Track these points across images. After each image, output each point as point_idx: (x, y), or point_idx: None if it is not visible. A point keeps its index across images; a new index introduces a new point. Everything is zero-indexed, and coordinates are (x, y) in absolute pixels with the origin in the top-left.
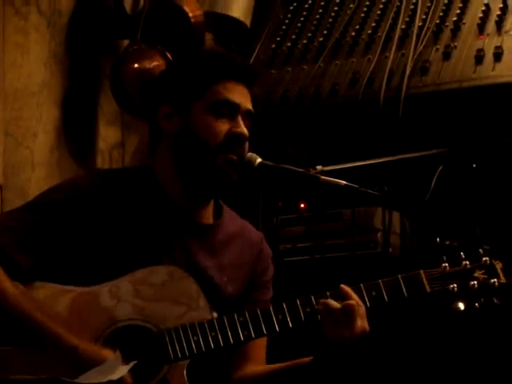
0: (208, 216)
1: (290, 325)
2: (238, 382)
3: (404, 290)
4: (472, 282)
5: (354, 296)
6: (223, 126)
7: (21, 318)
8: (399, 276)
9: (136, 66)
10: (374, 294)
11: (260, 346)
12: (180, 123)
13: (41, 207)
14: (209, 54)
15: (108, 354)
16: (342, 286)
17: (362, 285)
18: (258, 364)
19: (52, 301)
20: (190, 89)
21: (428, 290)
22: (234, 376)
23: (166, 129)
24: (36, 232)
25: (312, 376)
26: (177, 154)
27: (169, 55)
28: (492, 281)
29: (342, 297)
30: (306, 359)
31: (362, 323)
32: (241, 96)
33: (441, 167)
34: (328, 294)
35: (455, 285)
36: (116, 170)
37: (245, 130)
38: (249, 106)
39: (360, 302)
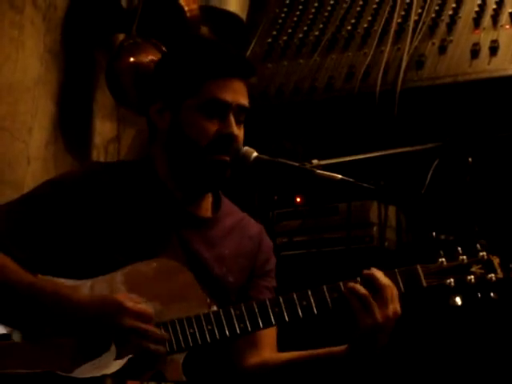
0: (207, 209)
1: (286, 318)
2: (252, 369)
3: (401, 284)
4: (469, 277)
5: (385, 279)
6: (213, 127)
7: (27, 286)
8: (396, 270)
9: (132, 60)
10: None
11: (271, 330)
12: (171, 120)
13: (36, 200)
14: (201, 48)
15: (120, 295)
16: (372, 271)
17: (396, 270)
18: (270, 350)
19: None
20: (182, 86)
21: (425, 284)
22: (246, 363)
23: (158, 125)
24: (32, 224)
25: (346, 364)
26: (168, 151)
27: (164, 49)
28: (489, 276)
29: (370, 283)
30: (340, 348)
31: (394, 306)
32: (234, 92)
33: (436, 161)
34: (358, 279)
35: (452, 280)
36: (113, 163)
37: (235, 130)
38: (242, 100)
39: (392, 285)
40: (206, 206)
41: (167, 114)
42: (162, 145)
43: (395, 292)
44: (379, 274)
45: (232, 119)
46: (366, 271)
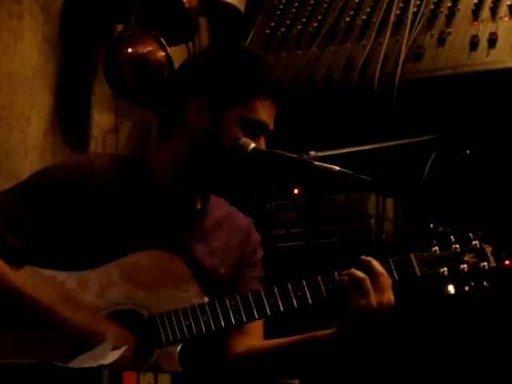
0: (197, 202)
1: (282, 309)
2: (239, 357)
3: (395, 273)
4: (462, 266)
5: (381, 268)
6: None
7: (14, 295)
8: (390, 260)
9: (130, 50)
10: None
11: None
12: (211, 123)
13: (31, 188)
14: (257, 64)
15: (107, 324)
16: (369, 258)
17: (390, 260)
18: (256, 338)
19: (42, 285)
20: (232, 94)
21: (418, 273)
22: (233, 352)
23: (193, 121)
24: (25, 214)
25: (333, 348)
26: (194, 148)
27: (163, 40)
28: (482, 264)
29: (367, 269)
30: (327, 331)
31: (388, 295)
32: (271, 117)
33: (434, 153)
34: (353, 268)
35: (445, 268)
36: (107, 154)
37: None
38: (272, 127)
39: (386, 274)
40: (197, 199)
41: (207, 115)
42: (187, 139)
43: (389, 282)
44: (376, 262)
45: (263, 141)
46: (363, 257)
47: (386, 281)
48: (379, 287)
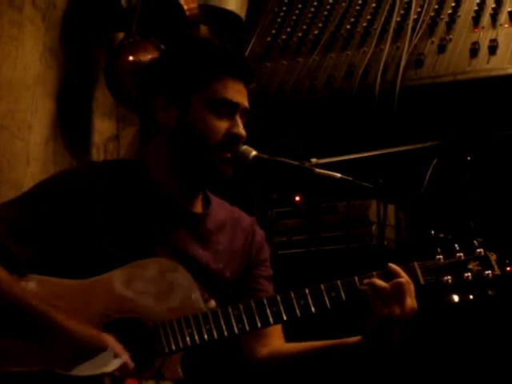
0: (197, 206)
1: (284, 317)
2: (265, 360)
3: (420, 277)
4: (466, 274)
5: (404, 274)
6: (222, 126)
7: (16, 304)
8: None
9: (131, 58)
10: None
11: None
12: (178, 116)
13: (34, 198)
14: (207, 46)
15: (107, 337)
16: (391, 264)
17: (415, 263)
18: (278, 339)
19: (46, 294)
20: (189, 82)
21: (422, 282)
22: (257, 355)
23: (163, 121)
24: (29, 223)
25: (359, 356)
26: (173, 147)
27: (163, 48)
28: (486, 272)
29: (389, 276)
30: (353, 339)
31: (411, 301)
32: (239, 94)
33: (435, 160)
34: (374, 273)
35: (449, 277)
36: (108, 162)
37: (243, 131)
38: (246, 103)
39: (409, 280)
40: (198, 203)
41: (173, 110)
42: (164, 141)
43: (412, 288)
44: (400, 270)
45: (239, 120)
46: (390, 265)
47: (409, 287)
48: (402, 295)
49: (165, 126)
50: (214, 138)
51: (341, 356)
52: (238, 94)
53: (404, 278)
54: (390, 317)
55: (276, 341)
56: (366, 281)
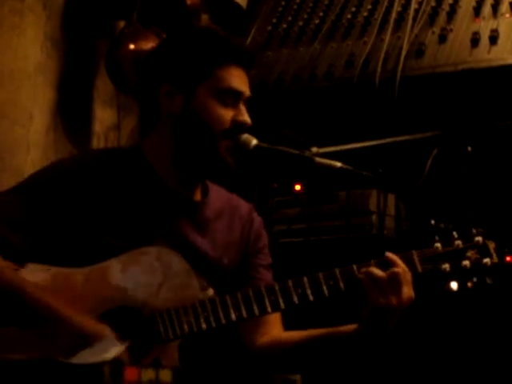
0: (196, 194)
1: (282, 306)
2: (264, 347)
3: (418, 265)
4: (464, 262)
5: (400, 262)
6: (228, 114)
7: (10, 290)
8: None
9: (132, 47)
10: None
11: None
12: (184, 104)
13: (31, 187)
14: (210, 34)
15: (102, 327)
16: (388, 253)
17: (413, 251)
18: (278, 327)
19: (45, 282)
20: (194, 69)
21: (420, 270)
22: (257, 343)
23: (168, 108)
24: (27, 212)
25: (354, 344)
26: (177, 136)
27: (164, 36)
28: (485, 260)
29: (386, 265)
30: (349, 327)
31: (408, 290)
32: (243, 82)
33: (436, 150)
34: (372, 262)
35: (447, 265)
36: (106, 150)
37: (248, 119)
38: (249, 91)
39: (406, 269)
40: (196, 191)
41: (179, 98)
42: (167, 128)
43: (409, 277)
44: (396, 258)
45: (244, 108)
46: (388, 253)
47: (406, 276)
48: (399, 284)
49: (170, 113)
50: (220, 126)
51: (336, 344)
52: (241, 82)
53: (401, 266)
54: (386, 306)
55: (275, 330)
56: (362, 269)
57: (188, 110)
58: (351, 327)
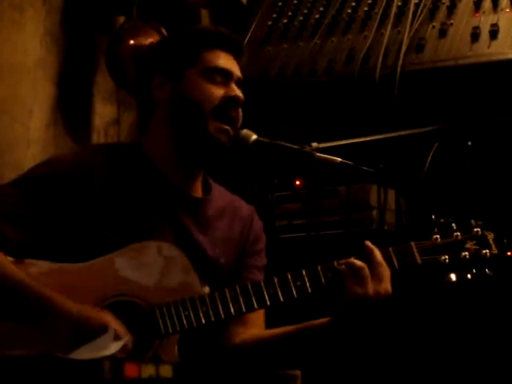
0: (197, 191)
1: (281, 299)
2: (240, 346)
3: (395, 261)
4: (463, 253)
5: (381, 258)
6: (218, 91)
7: (15, 286)
8: (390, 248)
9: (132, 42)
10: None
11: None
12: (172, 90)
13: (29, 181)
14: (197, 26)
15: (106, 316)
16: (372, 246)
17: (390, 248)
18: (258, 327)
19: (44, 277)
20: (181, 56)
21: (419, 261)
22: (235, 341)
23: (159, 98)
24: (26, 207)
25: (330, 337)
26: (171, 122)
27: (164, 31)
28: (484, 252)
29: (367, 258)
30: (323, 320)
31: (385, 284)
32: (231, 63)
33: (436, 145)
34: (353, 258)
35: (447, 256)
36: (106, 145)
37: (240, 94)
38: (239, 73)
39: (385, 265)
40: (197, 188)
41: (168, 85)
42: (162, 118)
43: (388, 272)
44: (377, 252)
45: (235, 86)
46: (368, 243)
47: (385, 271)
48: (377, 276)
49: (161, 102)
50: (210, 102)
51: (311, 338)
52: (229, 62)
53: (382, 261)
54: (362, 295)
55: (256, 330)
56: (342, 260)
57: (175, 92)
58: (324, 320)
